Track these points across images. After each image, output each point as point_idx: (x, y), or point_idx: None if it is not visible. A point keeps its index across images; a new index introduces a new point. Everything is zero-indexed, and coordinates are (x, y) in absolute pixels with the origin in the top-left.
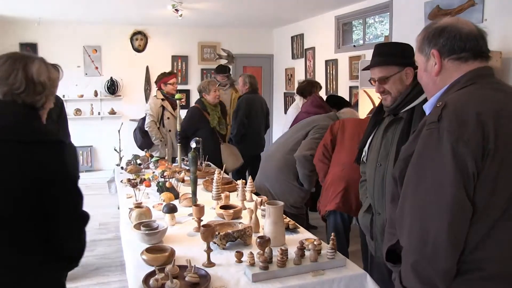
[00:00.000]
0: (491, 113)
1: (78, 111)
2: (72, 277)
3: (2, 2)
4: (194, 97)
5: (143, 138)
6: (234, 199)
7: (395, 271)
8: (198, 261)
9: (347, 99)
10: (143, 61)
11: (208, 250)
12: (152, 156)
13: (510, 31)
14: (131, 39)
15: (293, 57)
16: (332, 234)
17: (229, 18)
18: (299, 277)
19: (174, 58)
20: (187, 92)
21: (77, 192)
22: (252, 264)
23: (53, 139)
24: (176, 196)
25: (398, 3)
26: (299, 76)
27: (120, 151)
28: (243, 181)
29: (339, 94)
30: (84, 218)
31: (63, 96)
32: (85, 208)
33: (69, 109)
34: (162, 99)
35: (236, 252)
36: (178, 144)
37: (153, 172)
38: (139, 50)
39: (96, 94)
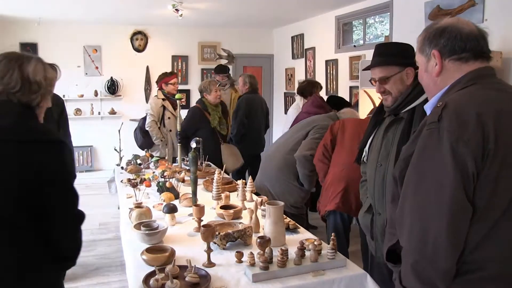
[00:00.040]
0: (491, 113)
1: (78, 111)
2: (72, 277)
3: (2, 2)
4: (194, 97)
5: (143, 138)
6: (234, 199)
7: (396, 271)
8: (198, 261)
9: (348, 99)
10: (143, 61)
11: (208, 250)
12: (152, 156)
13: (511, 31)
14: (131, 39)
15: (293, 57)
16: (333, 234)
17: (229, 18)
18: (299, 277)
19: (174, 58)
20: (187, 92)
21: (73, 191)
22: (253, 264)
23: (49, 138)
24: (176, 196)
25: (398, 3)
26: (299, 76)
27: (120, 151)
28: (243, 181)
29: (339, 94)
30: (80, 217)
31: (63, 96)
32: (85, 208)
33: (69, 109)
34: (163, 99)
35: (236, 252)
36: (178, 144)
37: (153, 172)
38: (139, 50)
39: (96, 94)
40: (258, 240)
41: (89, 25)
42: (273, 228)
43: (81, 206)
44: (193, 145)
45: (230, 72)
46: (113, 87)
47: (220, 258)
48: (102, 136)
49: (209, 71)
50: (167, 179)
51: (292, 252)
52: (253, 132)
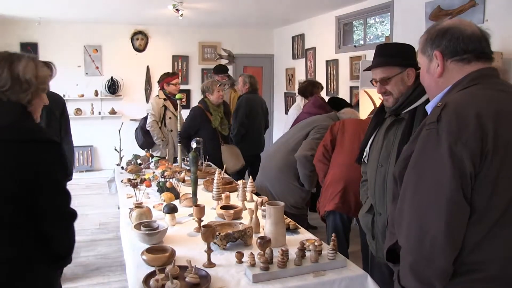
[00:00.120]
0: (491, 114)
1: (78, 111)
2: (72, 277)
3: (2, 2)
4: (195, 97)
5: (144, 138)
6: (235, 199)
7: (396, 270)
8: (198, 261)
9: (348, 99)
10: (143, 61)
11: (209, 251)
12: (152, 156)
13: (511, 32)
14: (132, 39)
15: (293, 57)
16: (333, 235)
17: (229, 18)
18: (299, 278)
19: (175, 58)
20: (187, 92)
21: (64, 191)
22: (253, 265)
23: (39, 137)
24: (177, 196)
25: (399, 3)
26: (300, 76)
27: (120, 151)
28: (244, 181)
29: (340, 94)
30: (72, 216)
31: (64, 95)
32: (85, 208)
33: (70, 108)
34: (164, 99)
35: (237, 252)
36: (178, 144)
37: (154, 172)
38: (139, 50)
39: (96, 93)
40: (259, 240)
41: (90, 25)
42: (274, 228)
43: (81, 206)
44: (194, 145)
45: (231, 72)
46: (113, 87)
47: (220, 258)
48: (102, 136)
49: (210, 71)
50: (167, 179)
51: (293, 252)
52: (253, 132)
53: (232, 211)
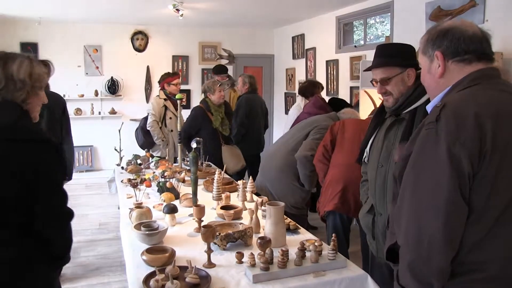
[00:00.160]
0: (490, 114)
1: (78, 111)
2: (72, 277)
3: (2, 2)
4: (195, 97)
5: (144, 138)
6: (235, 199)
7: (396, 270)
8: (198, 262)
9: (348, 99)
10: (143, 61)
11: (209, 251)
12: (152, 156)
13: (511, 32)
14: (132, 39)
15: (294, 57)
16: (333, 235)
17: (230, 18)
18: (299, 278)
19: (175, 58)
20: (187, 92)
21: (61, 191)
22: (253, 265)
23: (34, 137)
24: (177, 197)
25: (399, 3)
26: (300, 76)
27: (120, 151)
28: (244, 181)
29: (340, 94)
30: (69, 215)
31: (64, 95)
32: (85, 208)
33: (70, 108)
34: (165, 99)
35: (237, 253)
36: (178, 144)
37: (154, 172)
38: (139, 49)
39: (96, 93)
40: (259, 240)
41: (90, 25)
42: (274, 228)
43: (81, 206)
44: (194, 145)
45: (231, 72)
46: (113, 87)
47: (220, 258)
48: (102, 136)
49: (210, 71)
50: (168, 179)
51: (293, 252)
52: (253, 132)
53: (232, 211)
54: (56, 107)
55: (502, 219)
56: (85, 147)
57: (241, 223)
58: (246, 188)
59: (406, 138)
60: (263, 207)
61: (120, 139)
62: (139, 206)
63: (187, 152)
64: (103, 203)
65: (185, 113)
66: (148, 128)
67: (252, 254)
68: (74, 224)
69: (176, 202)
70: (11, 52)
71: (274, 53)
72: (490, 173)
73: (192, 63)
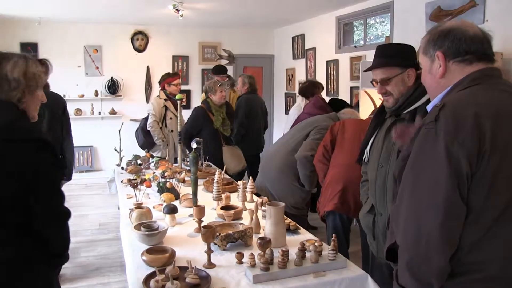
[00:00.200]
0: (489, 114)
1: (78, 111)
2: (72, 278)
3: (2, 2)
4: (195, 97)
5: (145, 138)
6: (235, 199)
7: (395, 269)
8: (198, 262)
9: (348, 99)
10: (143, 61)
11: (209, 251)
12: (152, 156)
13: (511, 32)
14: (132, 39)
15: (294, 58)
16: (333, 235)
17: (230, 18)
18: (300, 279)
19: (175, 58)
20: (187, 92)
21: (56, 191)
22: (253, 265)
23: (30, 137)
24: (177, 197)
25: (399, 3)
26: (300, 76)
27: (120, 151)
28: (244, 181)
29: (340, 94)
30: (65, 215)
31: (64, 95)
32: (85, 208)
33: (70, 109)
34: (165, 99)
35: (237, 253)
36: (178, 144)
37: (154, 173)
38: (139, 50)
39: (96, 94)
40: (259, 241)
41: (90, 25)
42: (274, 229)
43: (81, 206)
44: (194, 145)
45: (231, 72)
46: (113, 87)
47: (220, 259)
48: (102, 136)
49: (210, 72)
50: (168, 180)
51: (293, 253)
52: (252, 133)
53: (232, 212)
54: (57, 107)
55: (502, 219)
56: (85, 147)
57: (241, 224)
58: (246, 188)
59: None
60: (263, 208)
61: (120, 140)
62: (139, 206)
63: (187, 152)
64: (103, 203)
65: (185, 113)
66: (148, 128)
67: (252, 254)
68: (74, 224)
69: (176, 203)
70: (7, 52)
71: (274, 53)
72: (489, 173)
73: (192, 63)
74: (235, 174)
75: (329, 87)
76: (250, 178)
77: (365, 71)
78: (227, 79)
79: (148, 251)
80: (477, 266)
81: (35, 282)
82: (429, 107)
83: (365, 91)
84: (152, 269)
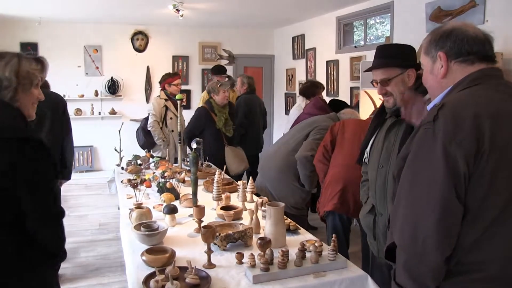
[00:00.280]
0: (488, 115)
1: (78, 111)
2: (72, 278)
3: (2, 2)
4: (195, 97)
5: (145, 138)
6: (235, 200)
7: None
8: (198, 262)
9: (348, 100)
10: (143, 61)
11: (209, 251)
12: (152, 156)
13: (511, 32)
14: (132, 39)
15: (294, 58)
16: (333, 235)
17: (230, 18)
18: (300, 279)
19: (175, 58)
20: (187, 92)
21: (49, 190)
22: (253, 266)
23: (21, 136)
24: (177, 197)
25: (399, 4)
26: (300, 76)
27: (120, 151)
28: (244, 182)
29: (340, 95)
30: (58, 215)
31: (64, 95)
32: (85, 208)
33: (70, 109)
34: (166, 100)
35: (237, 253)
36: (178, 144)
37: (154, 173)
38: (139, 50)
39: (96, 94)
40: (259, 241)
41: (90, 25)
42: (274, 229)
43: (81, 207)
44: (194, 145)
45: (231, 72)
46: (113, 87)
47: (220, 259)
48: (102, 136)
49: (210, 72)
50: (168, 180)
51: (293, 253)
52: (252, 133)
53: (232, 212)
54: (58, 107)
55: (501, 218)
56: (85, 148)
57: (241, 224)
58: (246, 188)
59: (407, 139)
60: (263, 208)
61: (120, 140)
62: (139, 206)
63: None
64: (103, 203)
65: (185, 113)
66: (149, 128)
67: (252, 254)
68: (74, 224)
69: (176, 203)
70: (1, 52)
71: (274, 53)
72: (488, 173)
73: (192, 64)
74: (236, 175)
75: (329, 87)
76: (250, 178)
77: (365, 71)
78: (227, 79)
79: (148, 251)
80: (477, 266)
81: (34, 282)
82: (429, 108)
83: (365, 91)
84: (152, 269)
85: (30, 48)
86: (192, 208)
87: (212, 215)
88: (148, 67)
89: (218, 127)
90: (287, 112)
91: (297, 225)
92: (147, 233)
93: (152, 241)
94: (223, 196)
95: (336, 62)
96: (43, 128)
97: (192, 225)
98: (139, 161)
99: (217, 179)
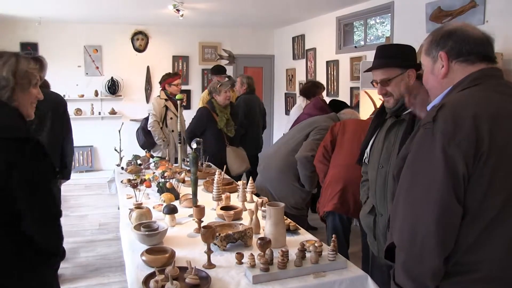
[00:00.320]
0: (488, 116)
1: (78, 111)
2: (71, 278)
3: (2, 2)
4: (195, 97)
5: (145, 138)
6: (235, 200)
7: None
8: (198, 262)
9: (348, 100)
10: (144, 61)
11: (209, 252)
12: (152, 156)
13: (511, 33)
14: (132, 39)
15: (294, 58)
16: (333, 235)
17: (230, 18)
18: (299, 279)
19: (175, 58)
20: (187, 93)
21: (44, 191)
22: (253, 266)
23: (17, 136)
24: (177, 197)
25: (399, 4)
26: (300, 77)
27: (120, 151)
28: (244, 182)
29: (340, 95)
30: (54, 216)
31: (64, 95)
32: (85, 208)
33: (70, 109)
34: (166, 100)
35: (237, 253)
36: (178, 144)
37: (154, 173)
38: (140, 50)
39: (96, 94)
40: (259, 241)
41: (90, 25)
42: (274, 229)
43: (81, 207)
44: (194, 145)
45: (231, 72)
46: (113, 87)
47: (220, 259)
48: (102, 136)
49: (210, 72)
50: (167, 180)
51: (293, 253)
52: (252, 133)
53: (232, 212)
54: (59, 107)
55: (500, 219)
56: (85, 148)
57: (241, 224)
58: (246, 188)
59: (407, 139)
60: (263, 208)
61: (120, 140)
62: (139, 206)
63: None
64: (103, 203)
65: (186, 113)
66: (149, 128)
67: (252, 254)
68: (74, 224)
69: (176, 203)
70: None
71: (274, 53)
72: (487, 174)
73: (192, 64)
74: (237, 175)
75: (329, 87)
76: (250, 178)
77: (365, 71)
78: (227, 79)
79: (147, 251)
80: (476, 266)
81: (34, 282)
82: (429, 107)
83: (365, 92)
84: (151, 270)
85: (30, 48)
86: (192, 208)
87: (212, 215)
88: (148, 67)
89: (220, 127)
90: (287, 112)
91: (297, 225)
92: (147, 233)
93: (152, 241)
94: (223, 196)
95: (336, 62)
96: (43, 128)
97: (192, 225)
98: (139, 161)
99: (217, 179)
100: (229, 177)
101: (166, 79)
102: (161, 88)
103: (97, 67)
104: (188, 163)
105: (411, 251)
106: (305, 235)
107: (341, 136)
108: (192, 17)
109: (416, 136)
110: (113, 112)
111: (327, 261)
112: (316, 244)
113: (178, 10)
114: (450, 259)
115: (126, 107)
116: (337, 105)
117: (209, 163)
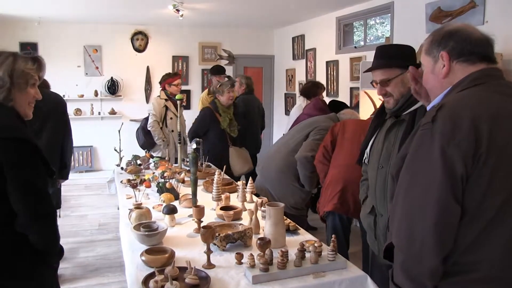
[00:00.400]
0: (487, 117)
1: (78, 111)
2: (71, 278)
3: (2, 2)
4: (195, 97)
5: (145, 138)
6: (234, 200)
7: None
8: (198, 262)
9: (348, 100)
10: (143, 61)
11: (208, 252)
12: (152, 157)
13: (511, 33)
14: (132, 39)
15: (294, 58)
16: (333, 236)
17: (230, 18)
18: (299, 279)
19: (175, 58)
20: (187, 93)
21: (35, 190)
22: (253, 266)
23: (9, 135)
24: (176, 197)
25: (399, 4)
26: (300, 77)
27: (120, 151)
28: (243, 182)
29: (340, 95)
30: (47, 216)
31: (63, 95)
32: (85, 208)
33: (70, 109)
34: (166, 100)
35: (236, 253)
36: (178, 144)
37: (153, 173)
38: (139, 50)
39: (96, 94)
40: (258, 241)
41: (90, 25)
42: (273, 229)
43: (80, 207)
44: (193, 145)
45: (231, 72)
46: (113, 87)
47: (220, 259)
48: (102, 136)
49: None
50: (167, 180)
51: (292, 253)
52: (251, 133)
53: (232, 212)
54: (58, 107)
55: (499, 219)
56: (84, 148)
57: (240, 224)
58: (245, 188)
59: (406, 139)
60: (262, 208)
61: (120, 140)
62: (138, 206)
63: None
64: (102, 203)
65: (185, 114)
66: (149, 128)
67: (251, 255)
68: (74, 224)
69: (175, 203)
70: None
71: (274, 53)
72: (487, 174)
73: (192, 64)
74: (240, 176)
75: (329, 87)
76: (250, 178)
77: (365, 72)
78: (226, 79)
79: (147, 252)
80: (475, 266)
81: (34, 282)
82: (428, 108)
83: (365, 92)
84: (151, 270)
85: (29, 48)
86: (191, 208)
87: (211, 215)
88: (148, 67)
89: (223, 128)
90: (287, 112)
91: (296, 225)
92: (146, 233)
93: (152, 241)
94: (223, 196)
95: (336, 63)
96: (43, 129)
97: (192, 225)
98: (138, 161)
99: (217, 179)
100: (228, 177)
101: (166, 79)
102: (161, 88)
103: (97, 67)
104: (188, 163)
105: (409, 251)
106: (304, 235)
107: (341, 136)
108: (192, 17)
109: (416, 136)
110: (113, 112)
111: (327, 261)
112: (315, 244)
113: (178, 10)
114: (448, 259)
115: (126, 107)
116: (337, 106)
117: (209, 163)
